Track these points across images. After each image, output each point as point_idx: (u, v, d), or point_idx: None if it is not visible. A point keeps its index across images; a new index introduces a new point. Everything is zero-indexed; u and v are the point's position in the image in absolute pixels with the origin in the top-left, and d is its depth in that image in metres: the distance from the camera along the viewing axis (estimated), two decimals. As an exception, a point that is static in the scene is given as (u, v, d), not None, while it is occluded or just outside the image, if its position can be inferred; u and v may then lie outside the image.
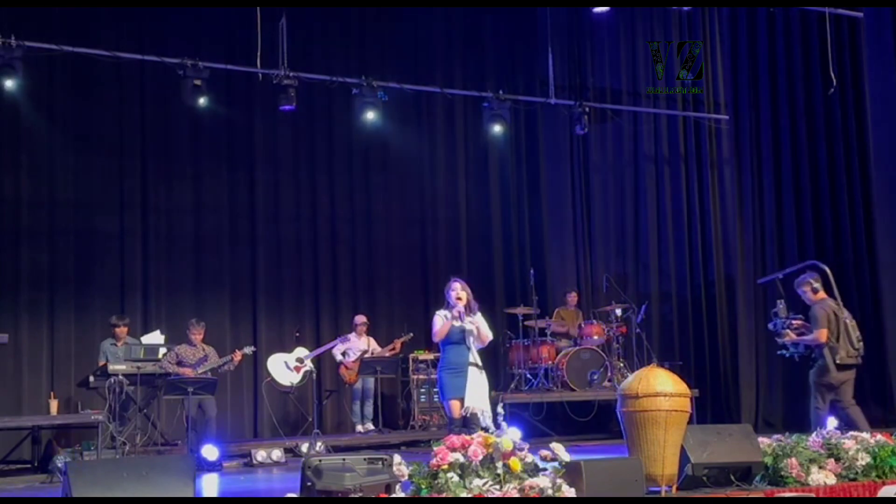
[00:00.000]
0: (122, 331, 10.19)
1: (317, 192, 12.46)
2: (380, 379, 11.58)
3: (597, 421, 11.54)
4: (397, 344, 11.83)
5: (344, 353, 11.63)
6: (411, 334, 11.76)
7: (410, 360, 12.09)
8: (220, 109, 11.26)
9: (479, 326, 7.60)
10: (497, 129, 12.08)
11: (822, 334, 8.08)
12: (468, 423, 7.41)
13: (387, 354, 11.71)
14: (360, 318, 11.88)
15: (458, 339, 7.59)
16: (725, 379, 12.45)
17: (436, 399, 11.08)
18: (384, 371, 11.34)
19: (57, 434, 9.93)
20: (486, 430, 6.94)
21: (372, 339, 11.86)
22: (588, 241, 13.37)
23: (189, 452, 9.28)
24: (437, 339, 7.70)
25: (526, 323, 11.82)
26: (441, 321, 7.61)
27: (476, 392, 7.54)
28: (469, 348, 7.58)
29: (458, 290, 7.62)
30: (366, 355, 11.50)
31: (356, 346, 11.69)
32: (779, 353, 8.51)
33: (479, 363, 7.68)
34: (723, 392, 12.39)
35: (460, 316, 7.52)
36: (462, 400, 7.50)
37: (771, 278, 9.54)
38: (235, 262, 11.98)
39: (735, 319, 12.74)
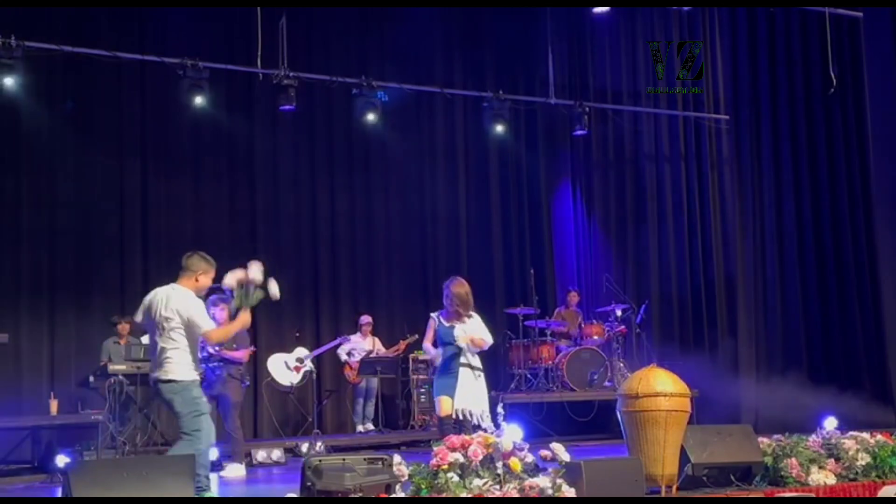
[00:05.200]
0: (124, 328, 10.21)
1: (316, 192, 12.45)
2: (380, 379, 11.58)
3: (597, 421, 11.54)
4: (402, 345, 11.84)
5: (349, 353, 11.64)
6: (416, 336, 11.75)
7: (410, 360, 12.10)
8: (219, 109, 11.26)
9: (473, 337, 7.43)
10: (497, 129, 12.10)
11: (248, 354, 9.04)
12: (460, 424, 7.29)
13: (391, 355, 11.72)
14: (365, 319, 11.88)
15: (449, 340, 7.47)
16: (725, 379, 12.44)
17: (436, 399, 11.11)
18: (384, 371, 11.34)
19: (57, 434, 9.92)
20: (485, 431, 6.85)
21: (377, 340, 11.87)
22: (588, 241, 13.38)
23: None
24: (425, 342, 7.68)
25: (526, 323, 11.82)
26: (431, 325, 7.57)
27: (468, 393, 7.38)
28: (461, 349, 7.43)
29: (454, 297, 7.45)
30: (370, 355, 11.51)
31: (361, 346, 11.69)
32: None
33: (474, 364, 7.49)
34: (723, 392, 12.37)
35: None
36: (450, 398, 7.35)
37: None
38: (235, 261, 11.90)
39: (735, 319, 12.75)
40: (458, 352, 7.43)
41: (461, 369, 7.41)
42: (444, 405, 7.38)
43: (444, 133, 13.13)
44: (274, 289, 6.54)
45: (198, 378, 6.38)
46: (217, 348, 8.28)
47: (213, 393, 8.21)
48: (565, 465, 5.87)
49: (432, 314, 7.65)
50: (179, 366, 6.25)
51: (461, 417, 7.31)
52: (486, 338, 7.52)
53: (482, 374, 7.57)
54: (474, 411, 7.35)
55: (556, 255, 13.38)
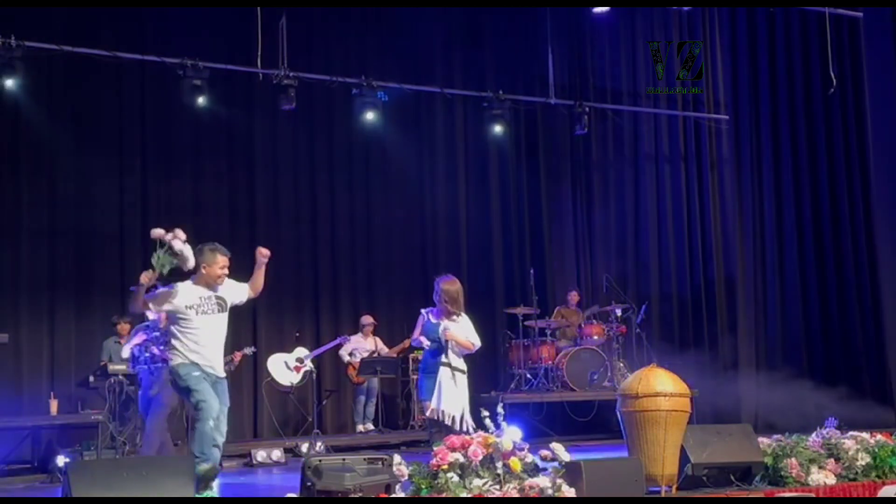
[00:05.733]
0: (123, 328, 10.20)
1: (317, 193, 12.45)
2: (380, 379, 11.59)
3: (597, 421, 11.54)
4: (407, 343, 11.84)
5: (351, 354, 11.64)
6: None
7: (410, 360, 12.09)
8: (220, 109, 11.25)
9: (457, 337, 7.29)
10: (497, 129, 12.11)
11: None
12: (438, 425, 7.17)
13: (394, 355, 11.72)
14: (367, 319, 11.88)
15: (432, 338, 7.33)
16: (725, 379, 12.44)
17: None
18: (384, 371, 11.33)
19: (57, 434, 9.92)
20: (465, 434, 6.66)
21: (378, 340, 11.86)
22: (588, 241, 13.38)
23: (189, 452, 9.26)
24: (414, 335, 7.59)
25: (526, 323, 11.82)
26: (420, 320, 7.46)
27: (444, 395, 7.19)
28: (443, 348, 7.26)
29: (443, 294, 7.35)
30: (373, 355, 11.50)
31: (363, 346, 11.69)
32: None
33: (455, 364, 7.29)
34: (723, 392, 12.37)
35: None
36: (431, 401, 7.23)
37: None
38: (235, 261, 11.85)
39: (735, 319, 12.75)
40: (441, 350, 7.28)
41: (441, 368, 7.25)
42: (428, 409, 7.30)
43: (444, 133, 13.12)
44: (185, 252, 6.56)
45: (187, 361, 6.46)
46: (161, 348, 7.92)
47: (150, 394, 7.96)
48: (565, 465, 5.88)
49: (423, 310, 7.53)
50: (174, 353, 6.55)
51: (436, 418, 7.18)
52: (474, 340, 7.38)
53: (464, 376, 7.36)
54: (448, 412, 7.16)
55: (556, 255, 13.38)
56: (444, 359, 7.28)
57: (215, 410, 6.38)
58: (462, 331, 7.36)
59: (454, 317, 7.37)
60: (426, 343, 7.35)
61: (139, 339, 8.04)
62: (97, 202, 11.27)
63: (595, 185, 13.38)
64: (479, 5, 12.52)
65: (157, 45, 10.76)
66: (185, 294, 6.53)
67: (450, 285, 7.43)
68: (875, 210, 12.62)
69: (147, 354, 7.98)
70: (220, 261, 6.71)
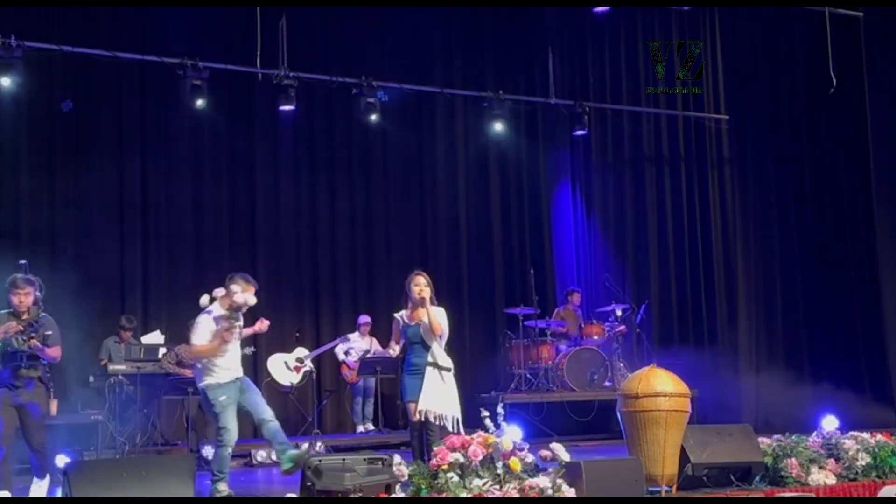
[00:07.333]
0: (127, 335, 10.21)
1: (317, 192, 12.45)
2: (380, 379, 11.59)
3: (597, 421, 11.54)
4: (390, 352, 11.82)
5: (346, 353, 11.64)
6: None
7: (410, 360, 12.08)
8: (219, 109, 11.26)
9: (431, 318, 7.02)
10: (497, 129, 12.11)
11: (57, 351, 7.31)
12: (425, 428, 6.95)
13: (388, 354, 11.71)
14: (364, 319, 11.88)
15: (416, 339, 7.11)
16: (725, 379, 12.45)
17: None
18: (384, 371, 11.33)
19: (57, 434, 9.90)
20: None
21: (374, 340, 11.86)
22: (588, 241, 13.38)
23: (189, 452, 9.28)
24: (393, 344, 7.43)
25: (526, 323, 11.81)
26: (396, 325, 7.28)
27: (433, 394, 6.94)
28: (429, 348, 7.04)
29: (423, 285, 7.10)
30: (367, 355, 11.50)
31: (359, 346, 11.69)
32: None
33: (441, 363, 7.04)
34: (723, 392, 12.38)
35: (423, 303, 7.09)
36: (417, 402, 6.96)
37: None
38: (235, 262, 11.92)
39: (735, 319, 12.75)
40: (426, 351, 7.06)
41: (427, 368, 7.02)
42: (412, 410, 7.02)
43: (444, 133, 13.12)
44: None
45: (213, 381, 7.02)
46: (38, 346, 6.97)
47: (21, 401, 6.98)
48: (565, 465, 5.88)
49: (396, 314, 7.34)
50: (199, 373, 7.15)
51: (424, 419, 6.91)
52: (442, 327, 7.09)
53: (451, 374, 7.12)
54: (438, 412, 6.91)
55: (556, 255, 13.38)
56: (429, 358, 7.05)
57: (235, 438, 7.03)
58: (437, 315, 7.14)
59: (427, 309, 7.16)
60: (393, 352, 7.53)
61: (15, 328, 6.80)
62: (97, 202, 11.27)
63: (595, 185, 13.37)
64: (479, 5, 12.52)
65: (157, 45, 10.75)
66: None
67: (419, 278, 7.24)
68: (875, 209, 12.63)
69: (25, 348, 6.87)
70: (238, 288, 7.52)
